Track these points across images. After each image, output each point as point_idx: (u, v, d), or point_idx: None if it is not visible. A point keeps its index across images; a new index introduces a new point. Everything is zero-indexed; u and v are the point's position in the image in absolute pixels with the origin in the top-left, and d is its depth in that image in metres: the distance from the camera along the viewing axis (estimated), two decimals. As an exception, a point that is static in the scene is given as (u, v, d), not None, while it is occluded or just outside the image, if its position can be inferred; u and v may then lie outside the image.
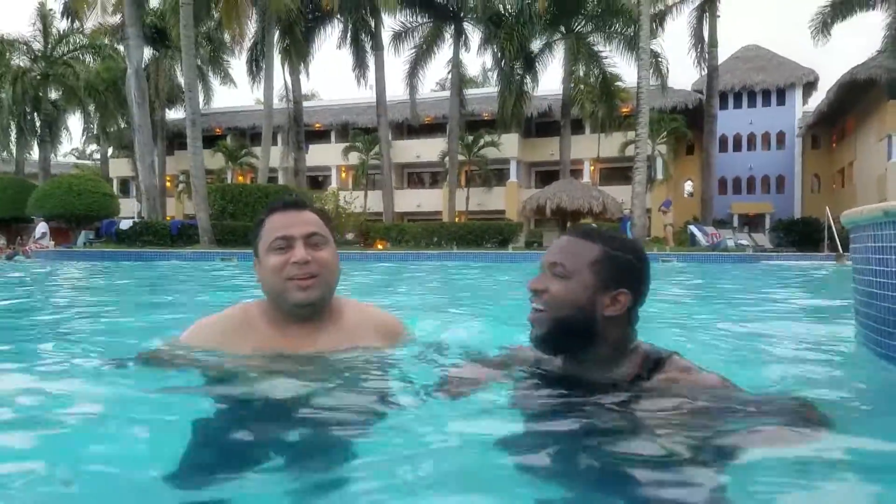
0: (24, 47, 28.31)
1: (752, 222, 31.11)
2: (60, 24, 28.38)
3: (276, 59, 22.83)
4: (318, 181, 33.37)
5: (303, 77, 25.07)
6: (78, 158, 47.23)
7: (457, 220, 24.32)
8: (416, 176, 34.91)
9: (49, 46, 28.62)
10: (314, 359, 1.62)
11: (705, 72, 24.55)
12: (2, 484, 0.93)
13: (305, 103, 29.21)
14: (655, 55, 21.86)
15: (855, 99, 25.15)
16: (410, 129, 32.80)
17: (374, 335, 1.74)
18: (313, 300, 1.58)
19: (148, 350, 1.74)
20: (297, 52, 22.89)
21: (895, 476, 1.01)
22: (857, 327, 2.17)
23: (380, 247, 19.16)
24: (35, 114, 28.52)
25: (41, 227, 20.75)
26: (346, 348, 1.66)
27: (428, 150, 31.50)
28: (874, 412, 1.40)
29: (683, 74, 47.11)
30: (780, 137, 32.15)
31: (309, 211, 1.65)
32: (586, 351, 1.36)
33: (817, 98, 30.74)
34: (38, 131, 28.87)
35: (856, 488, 0.98)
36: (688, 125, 27.91)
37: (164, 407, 1.38)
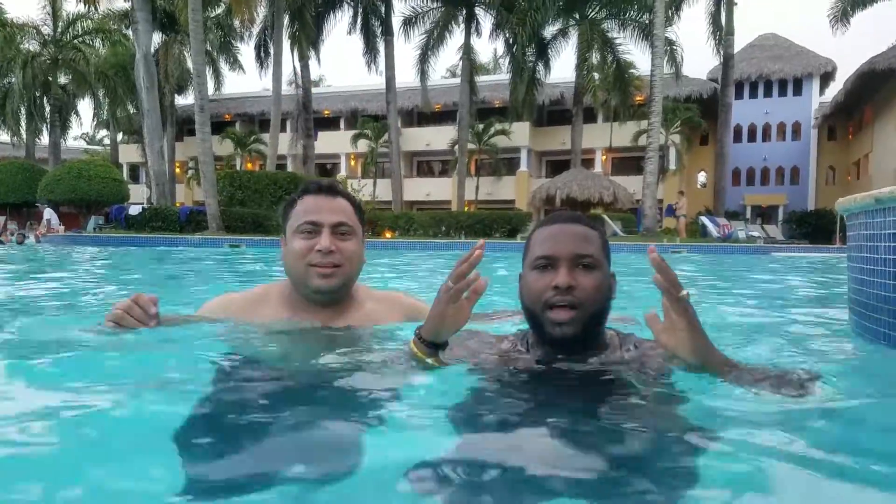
0: (34, 31, 28.38)
1: (765, 214, 30.73)
2: (69, 7, 28.45)
3: (286, 44, 22.71)
4: (326, 169, 33.35)
5: (312, 63, 24.97)
6: (88, 143, 47.60)
7: (466, 209, 24.19)
8: (425, 165, 34.79)
9: (58, 31, 28.66)
10: (322, 334, 1.61)
11: (721, 60, 24.12)
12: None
13: (314, 90, 29.13)
14: (670, 43, 21.50)
15: (873, 89, 24.63)
16: (420, 116, 32.63)
17: (398, 317, 1.73)
18: (332, 288, 1.58)
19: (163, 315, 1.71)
20: (307, 38, 22.73)
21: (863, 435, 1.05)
22: (849, 315, 2.09)
23: (388, 236, 19.11)
24: (45, 98, 28.64)
25: (47, 214, 20.96)
26: (361, 327, 1.65)
27: (438, 138, 31.34)
28: (865, 404, 1.30)
29: (699, 63, 46.30)
30: (796, 128, 31.63)
31: (341, 198, 1.63)
32: (596, 340, 1.34)
33: (834, 89, 30.16)
34: (48, 116, 29.01)
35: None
36: (702, 115, 27.49)
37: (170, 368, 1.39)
